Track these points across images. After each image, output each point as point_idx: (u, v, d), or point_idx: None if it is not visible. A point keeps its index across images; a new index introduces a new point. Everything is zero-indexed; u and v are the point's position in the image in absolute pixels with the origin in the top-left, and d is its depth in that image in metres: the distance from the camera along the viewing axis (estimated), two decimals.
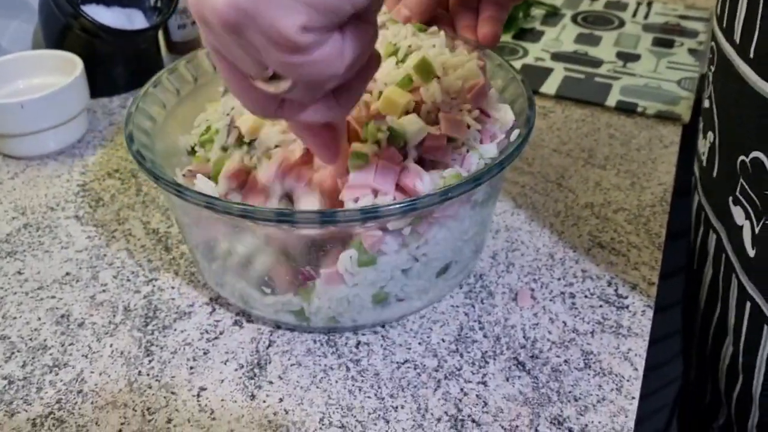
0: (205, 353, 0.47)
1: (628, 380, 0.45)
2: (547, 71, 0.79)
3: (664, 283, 0.56)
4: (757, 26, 0.41)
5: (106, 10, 0.78)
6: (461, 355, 0.47)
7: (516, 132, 0.45)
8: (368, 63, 0.34)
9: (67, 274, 0.54)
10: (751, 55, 0.42)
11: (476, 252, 0.51)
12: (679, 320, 0.68)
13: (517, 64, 0.81)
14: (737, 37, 0.44)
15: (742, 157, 0.44)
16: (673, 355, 0.89)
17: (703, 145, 0.53)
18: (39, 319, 0.50)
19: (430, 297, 0.48)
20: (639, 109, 0.73)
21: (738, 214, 0.45)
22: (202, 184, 0.43)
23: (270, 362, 0.46)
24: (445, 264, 0.46)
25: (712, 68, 0.50)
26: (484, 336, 0.48)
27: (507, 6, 0.55)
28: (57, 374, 0.46)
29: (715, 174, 0.50)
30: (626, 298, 0.51)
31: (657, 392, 0.88)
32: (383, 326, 0.49)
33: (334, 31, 0.29)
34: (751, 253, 0.44)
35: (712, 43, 0.50)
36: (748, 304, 0.45)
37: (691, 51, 0.84)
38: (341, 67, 0.30)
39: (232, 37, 0.29)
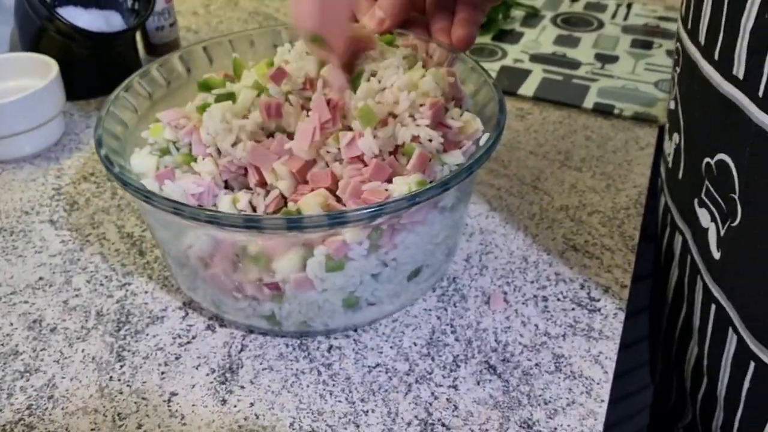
0: (177, 358, 0.47)
1: (598, 383, 0.45)
2: (526, 73, 0.80)
3: (638, 286, 0.56)
4: (722, 28, 0.41)
5: (84, 12, 0.78)
6: (432, 359, 0.47)
7: (485, 136, 0.45)
8: None
9: (41, 278, 0.53)
10: (716, 57, 0.42)
11: (448, 255, 0.51)
12: (646, 326, 0.69)
13: (496, 66, 0.81)
14: (702, 39, 0.44)
15: (707, 159, 0.44)
16: (643, 362, 0.90)
17: (668, 147, 0.53)
18: (11, 324, 0.50)
19: (401, 301, 0.48)
20: (616, 111, 0.73)
21: (703, 216, 0.46)
22: (170, 189, 0.43)
23: (242, 367, 0.46)
24: (415, 268, 0.46)
25: (678, 69, 0.50)
26: (456, 339, 0.48)
27: (483, 8, 0.55)
28: (28, 380, 0.45)
29: (680, 175, 0.50)
30: (598, 301, 0.51)
31: (631, 396, 0.89)
32: (355, 330, 0.49)
33: None
34: (716, 255, 0.44)
35: (678, 44, 0.51)
36: (713, 306, 0.46)
37: (669, 53, 0.84)
38: None
39: None
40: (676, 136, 0.50)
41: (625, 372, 0.47)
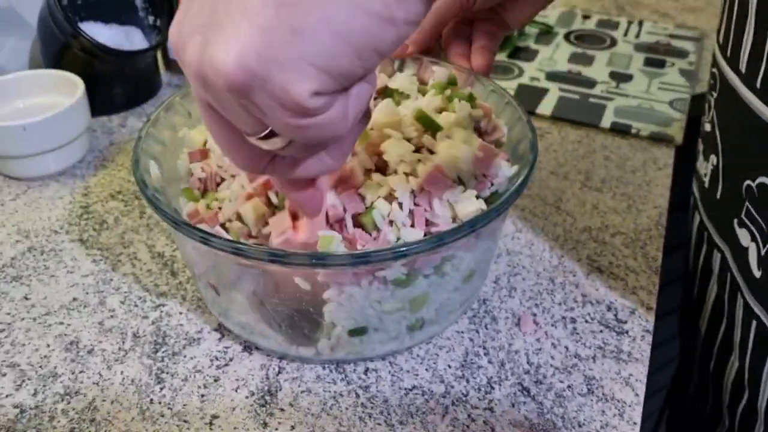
0: (215, 380, 0.48)
1: (629, 406, 0.46)
2: (543, 92, 0.81)
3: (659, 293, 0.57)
4: (765, 58, 0.42)
5: (105, 28, 0.78)
6: (467, 381, 0.48)
7: (515, 169, 0.47)
8: (362, 117, 0.34)
9: (74, 299, 0.54)
10: (758, 86, 0.43)
11: (480, 279, 0.52)
12: (666, 330, 0.70)
13: (513, 84, 0.82)
14: (743, 67, 0.45)
15: (747, 182, 0.46)
16: (662, 364, 0.91)
17: (704, 167, 0.55)
18: (48, 345, 0.50)
19: (442, 326, 0.49)
20: (633, 131, 0.74)
21: (743, 236, 0.47)
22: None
23: (280, 389, 0.47)
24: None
25: (714, 94, 0.52)
26: (489, 362, 0.49)
27: (499, 36, 0.56)
28: (69, 402, 0.46)
29: (718, 196, 0.51)
30: (625, 323, 0.52)
31: (645, 400, 0.90)
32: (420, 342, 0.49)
33: (341, 93, 0.29)
34: (757, 274, 0.46)
35: (714, 70, 0.52)
36: (754, 323, 0.47)
37: (682, 71, 0.86)
38: (345, 128, 0.30)
39: (235, 97, 0.28)
40: (713, 157, 0.52)
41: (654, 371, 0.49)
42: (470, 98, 0.52)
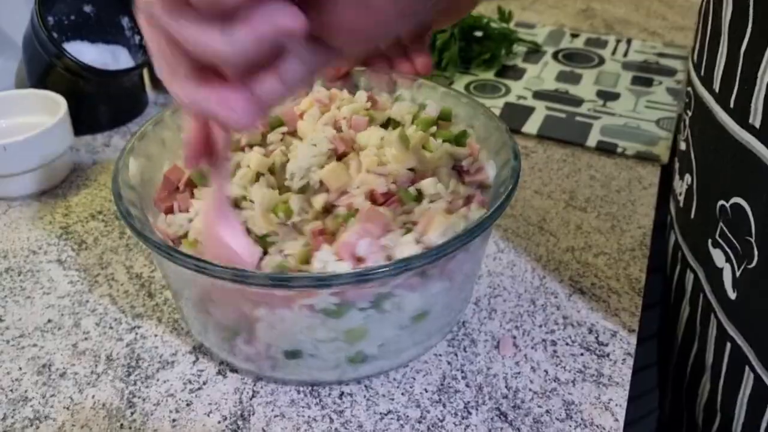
0: (188, 404, 0.47)
1: (608, 431, 0.46)
2: (529, 110, 0.81)
3: (642, 314, 0.57)
4: (737, 78, 0.42)
5: (90, 47, 0.78)
6: (444, 406, 0.47)
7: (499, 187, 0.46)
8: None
9: (49, 320, 0.53)
10: (731, 105, 0.43)
11: (441, 320, 0.51)
12: (655, 352, 0.69)
13: (500, 102, 0.82)
14: (716, 87, 0.45)
15: (721, 202, 0.45)
16: (652, 387, 0.91)
17: (679, 186, 0.54)
18: (20, 369, 0.49)
19: (418, 350, 0.49)
20: (619, 150, 0.74)
21: (717, 257, 0.46)
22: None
23: (254, 413, 0.46)
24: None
25: (689, 113, 0.52)
26: (467, 385, 0.48)
27: (426, 37, 0.58)
28: (38, 428, 0.45)
29: (692, 215, 0.51)
30: (607, 345, 0.52)
31: (637, 423, 0.89)
32: (367, 376, 0.49)
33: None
34: (732, 295, 0.45)
35: (689, 89, 0.52)
36: (728, 345, 0.46)
37: (670, 90, 0.85)
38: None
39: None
40: (687, 176, 0.51)
41: (629, 400, 0.48)
42: (462, 135, 0.52)
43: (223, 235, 0.42)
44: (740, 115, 0.42)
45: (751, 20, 0.40)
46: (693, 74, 0.50)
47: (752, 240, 0.42)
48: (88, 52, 0.77)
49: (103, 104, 0.77)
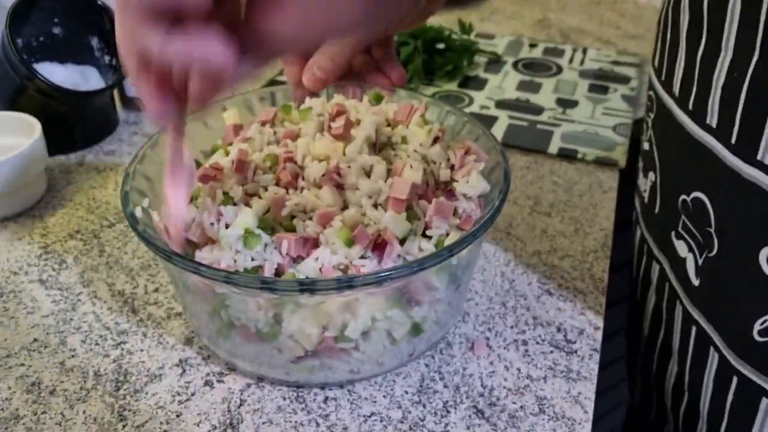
0: (177, 416, 0.48)
1: (579, 423, 0.48)
2: (493, 119, 0.84)
3: (607, 312, 0.60)
4: (695, 82, 0.46)
5: (61, 68, 0.79)
6: (424, 406, 0.49)
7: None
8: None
9: (35, 340, 0.54)
10: (690, 107, 0.47)
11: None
12: (623, 347, 0.73)
13: None
14: (676, 90, 0.49)
15: (683, 197, 0.49)
16: (619, 380, 0.94)
17: (644, 183, 0.58)
18: (9, 388, 0.50)
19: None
20: (579, 156, 0.77)
21: (681, 248, 0.50)
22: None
23: (242, 421, 0.48)
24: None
25: (651, 114, 0.55)
26: (445, 386, 0.51)
27: (390, 44, 0.59)
28: None
29: (657, 210, 0.55)
30: (574, 343, 0.55)
31: (605, 416, 0.93)
32: (350, 380, 0.51)
33: None
34: (696, 282, 0.49)
35: (651, 92, 0.56)
36: (694, 329, 0.50)
37: (625, 97, 0.90)
38: None
39: None
40: (651, 174, 0.55)
41: (597, 393, 0.51)
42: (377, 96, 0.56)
43: (168, 188, 0.43)
44: (698, 116, 0.46)
45: (705, 29, 0.44)
46: (654, 79, 0.54)
47: (712, 231, 0.46)
48: (58, 73, 0.77)
49: (75, 124, 0.78)
